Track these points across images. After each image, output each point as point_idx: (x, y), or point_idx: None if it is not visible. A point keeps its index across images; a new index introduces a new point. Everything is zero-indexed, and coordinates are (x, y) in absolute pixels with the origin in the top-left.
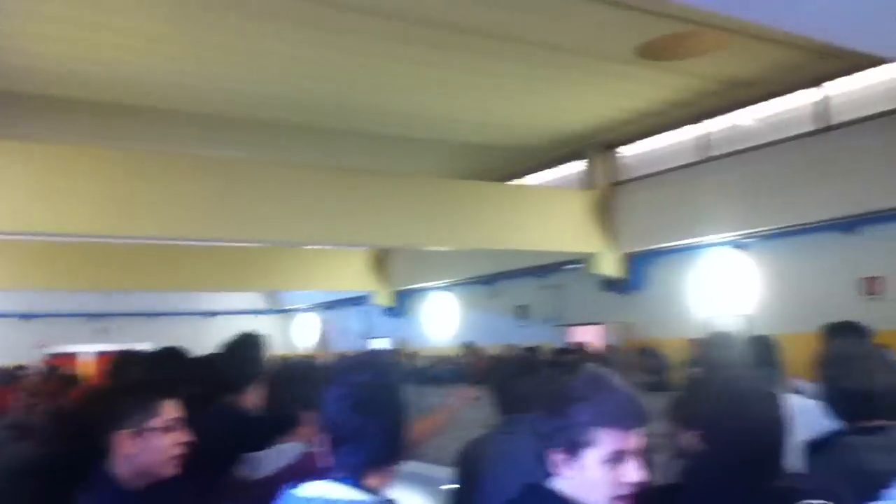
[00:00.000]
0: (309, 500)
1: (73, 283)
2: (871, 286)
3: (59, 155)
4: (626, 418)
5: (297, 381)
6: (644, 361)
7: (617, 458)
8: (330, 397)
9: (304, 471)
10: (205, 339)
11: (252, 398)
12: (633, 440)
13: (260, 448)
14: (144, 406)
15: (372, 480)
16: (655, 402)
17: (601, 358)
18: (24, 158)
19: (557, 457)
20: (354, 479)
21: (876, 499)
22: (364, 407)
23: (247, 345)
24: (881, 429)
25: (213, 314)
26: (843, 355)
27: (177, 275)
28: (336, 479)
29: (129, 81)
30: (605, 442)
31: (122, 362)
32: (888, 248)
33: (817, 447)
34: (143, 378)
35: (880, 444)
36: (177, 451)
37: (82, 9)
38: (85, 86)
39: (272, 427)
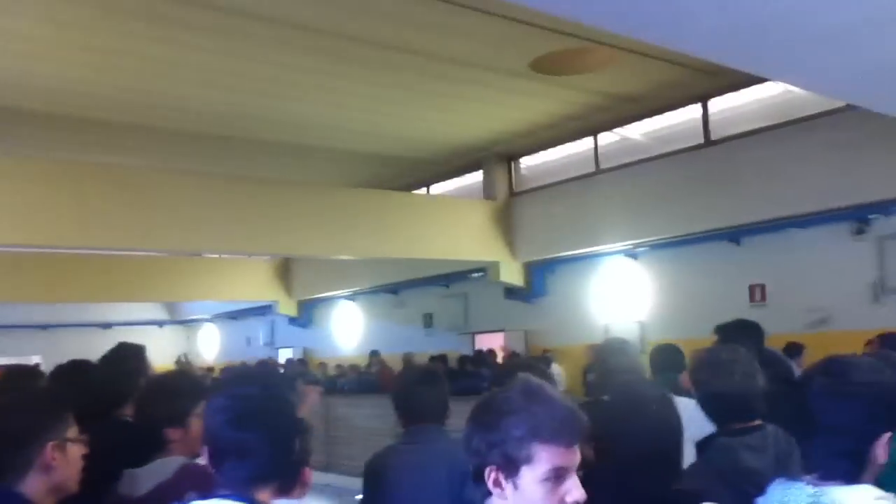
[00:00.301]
0: None
1: None
2: (755, 294)
3: None
4: (566, 433)
5: (165, 396)
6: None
7: (557, 475)
8: (209, 411)
9: (185, 487)
10: (100, 352)
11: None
12: (574, 456)
13: (139, 464)
14: (62, 417)
15: (262, 496)
16: None
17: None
18: None
19: (491, 475)
20: (242, 496)
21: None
22: (246, 421)
23: (127, 357)
24: (756, 429)
25: (110, 326)
26: (711, 360)
27: (71, 286)
28: (224, 497)
29: (22, 87)
30: (543, 458)
31: (14, 376)
32: (769, 258)
33: (700, 449)
34: (45, 390)
35: (754, 444)
36: (81, 465)
37: None
38: None
39: (147, 442)
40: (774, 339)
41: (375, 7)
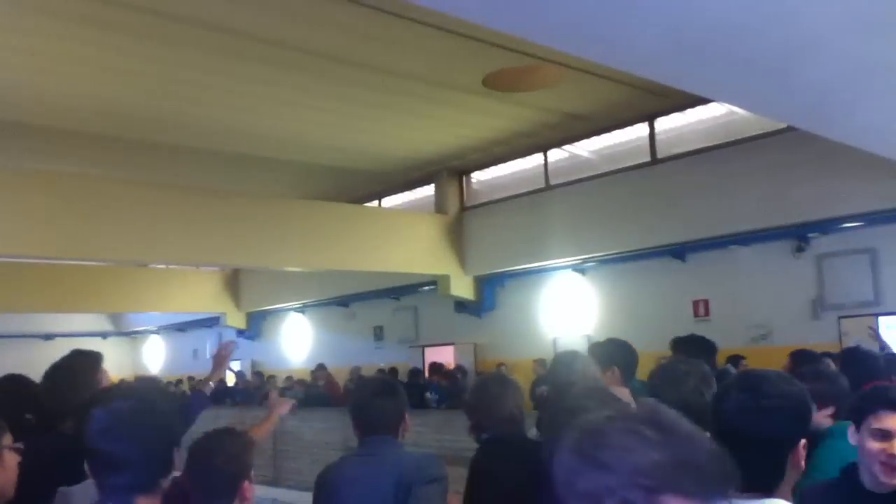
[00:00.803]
0: None
1: None
2: (699, 309)
3: None
4: (712, 485)
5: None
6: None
7: None
8: (88, 424)
9: None
10: (41, 363)
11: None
12: None
13: (77, 481)
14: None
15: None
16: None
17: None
18: None
19: None
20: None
21: None
22: (117, 433)
23: (75, 369)
24: None
25: (52, 337)
26: (668, 371)
27: (11, 295)
28: None
29: None
30: None
31: None
32: (712, 274)
33: None
34: None
35: None
36: (16, 473)
37: None
38: None
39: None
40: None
41: (331, 21)
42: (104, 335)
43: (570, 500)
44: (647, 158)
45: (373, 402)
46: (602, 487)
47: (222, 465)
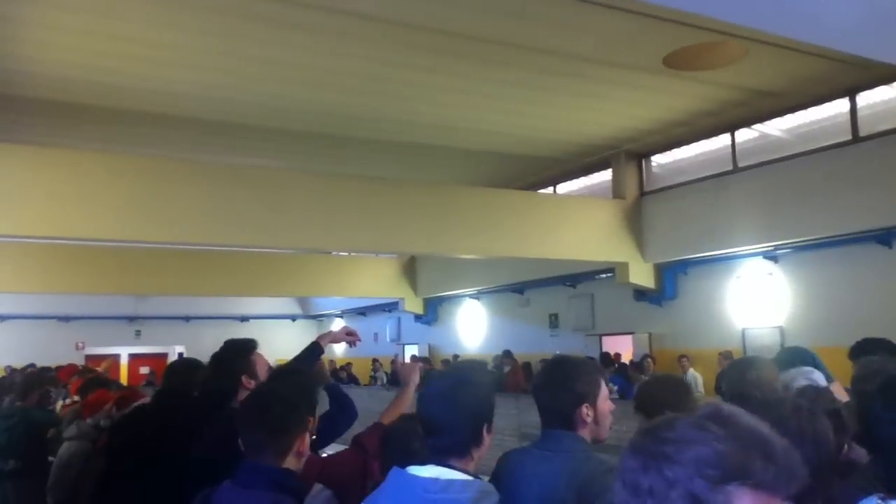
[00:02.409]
0: None
1: (109, 286)
2: None
3: (94, 162)
4: (782, 478)
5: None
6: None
7: None
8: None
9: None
10: None
11: None
12: None
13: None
14: (312, 411)
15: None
16: None
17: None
18: (57, 164)
19: None
20: (442, 463)
21: None
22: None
23: (229, 355)
24: None
25: (247, 319)
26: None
27: (209, 280)
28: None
29: (161, 92)
30: None
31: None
32: None
33: None
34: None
35: None
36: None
37: (106, 20)
38: (113, 95)
39: None
40: None
41: (502, 6)
42: (293, 318)
43: (631, 499)
44: (848, 136)
45: (544, 391)
46: (665, 481)
47: (419, 448)
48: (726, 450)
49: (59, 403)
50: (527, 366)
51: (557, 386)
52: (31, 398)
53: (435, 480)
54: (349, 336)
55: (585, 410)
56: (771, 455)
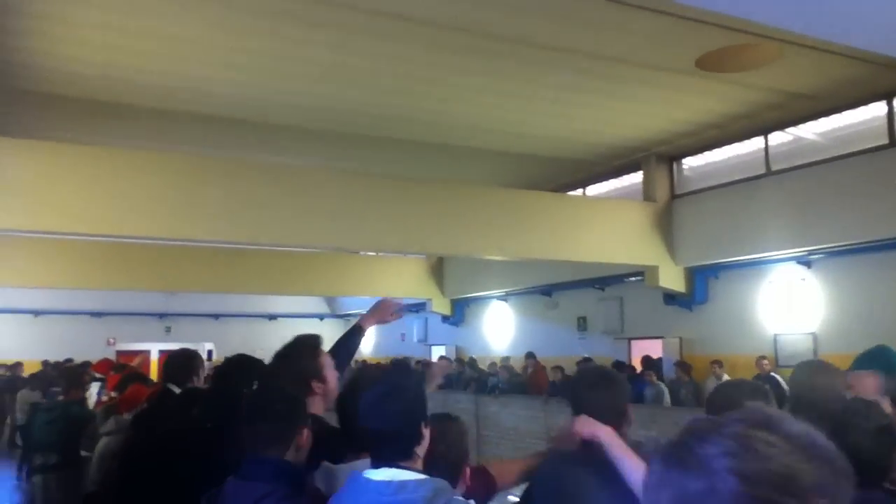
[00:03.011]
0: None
1: (140, 283)
2: None
3: (126, 159)
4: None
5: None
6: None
7: None
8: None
9: None
10: (265, 342)
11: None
12: None
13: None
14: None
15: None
16: None
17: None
18: (92, 161)
19: None
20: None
21: None
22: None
23: (297, 352)
24: None
25: (275, 317)
26: None
27: (239, 278)
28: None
29: (192, 90)
30: None
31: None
32: None
33: None
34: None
35: None
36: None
37: (140, 18)
38: (145, 93)
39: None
40: None
41: (534, 7)
42: (321, 317)
43: None
44: (885, 140)
45: (585, 396)
46: (701, 491)
47: (444, 451)
48: (801, 466)
49: (94, 398)
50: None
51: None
52: (74, 393)
53: (388, 483)
54: (393, 313)
55: None
56: (839, 469)
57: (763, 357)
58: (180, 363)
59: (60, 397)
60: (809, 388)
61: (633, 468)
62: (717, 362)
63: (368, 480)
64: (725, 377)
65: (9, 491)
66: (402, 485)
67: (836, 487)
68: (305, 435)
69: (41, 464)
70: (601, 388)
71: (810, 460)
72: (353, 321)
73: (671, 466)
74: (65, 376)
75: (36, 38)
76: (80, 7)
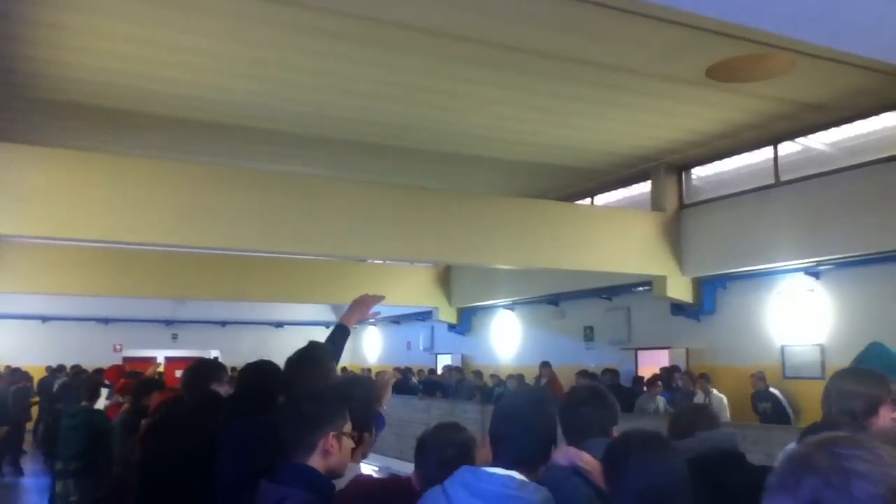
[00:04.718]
0: None
1: (148, 290)
2: None
3: (136, 167)
4: None
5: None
6: None
7: None
8: None
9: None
10: (272, 349)
11: None
12: None
13: None
14: (343, 413)
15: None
16: None
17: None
18: (102, 169)
19: None
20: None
21: None
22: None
23: (315, 357)
24: None
25: (281, 325)
26: None
27: (246, 285)
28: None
29: (204, 99)
30: None
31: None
32: None
33: None
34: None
35: None
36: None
37: (152, 28)
38: (157, 102)
39: None
40: None
41: (543, 17)
42: (327, 325)
43: None
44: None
45: (577, 411)
46: (850, 497)
47: (453, 455)
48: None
49: (104, 403)
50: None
51: None
52: (95, 400)
53: (512, 479)
54: (372, 311)
55: None
56: None
57: (759, 372)
58: (204, 373)
59: (84, 403)
60: (848, 395)
61: None
62: (704, 376)
63: (491, 474)
64: (715, 392)
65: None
66: (524, 484)
67: None
68: (332, 442)
69: (62, 469)
70: (591, 406)
71: None
72: (360, 329)
73: (797, 467)
74: (85, 386)
75: (47, 46)
76: (90, 16)
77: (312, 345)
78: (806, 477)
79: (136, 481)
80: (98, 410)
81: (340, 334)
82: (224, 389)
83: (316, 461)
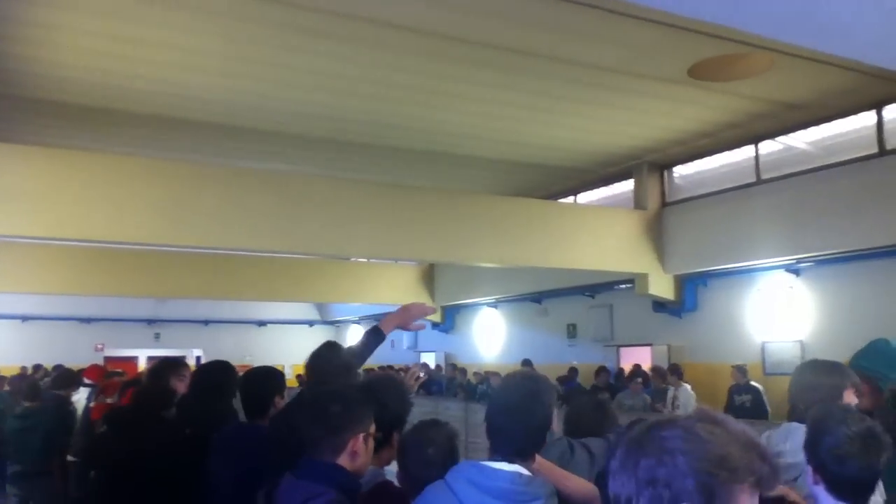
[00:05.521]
0: None
1: (130, 289)
2: None
3: (117, 165)
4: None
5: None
6: None
7: None
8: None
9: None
10: (255, 348)
11: None
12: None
13: None
14: (370, 414)
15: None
16: None
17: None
18: (81, 167)
19: None
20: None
21: None
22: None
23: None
24: None
25: (264, 323)
26: None
27: (229, 284)
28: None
29: (186, 97)
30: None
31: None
32: None
33: None
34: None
35: None
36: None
37: (135, 26)
38: (138, 99)
39: None
40: None
41: (526, 17)
42: (310, 323)
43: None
44: (874, 150)
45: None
46: (680, 471)
47: (433, 455)
48: (733, 450)
49: (82, 403)
50: None
51: None
52: (69, 393)
53: (519, 475)
54: (420, 319)
55: None
56: (764, 456)
57: (741, 365)
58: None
59: (27, 403)
60: (810, 387)
61: (579, 486)
62: (674, 369)
63: (496, 470)
64: (685, 387)
65: None
66: (531, 479)
67: (761, 470)
68: (360, 443)
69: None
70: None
71: (741, 447)
72: (343, 328)
73: (633, 450)
74: (57, 376)
75: (32, 44)
76: (76, 15)
77: (332, 345)
78: (642, 459)
79: (104, 481)
80: (57, 405)
81: (374, 337)
82: (184, 386)
83: (344, 461)
